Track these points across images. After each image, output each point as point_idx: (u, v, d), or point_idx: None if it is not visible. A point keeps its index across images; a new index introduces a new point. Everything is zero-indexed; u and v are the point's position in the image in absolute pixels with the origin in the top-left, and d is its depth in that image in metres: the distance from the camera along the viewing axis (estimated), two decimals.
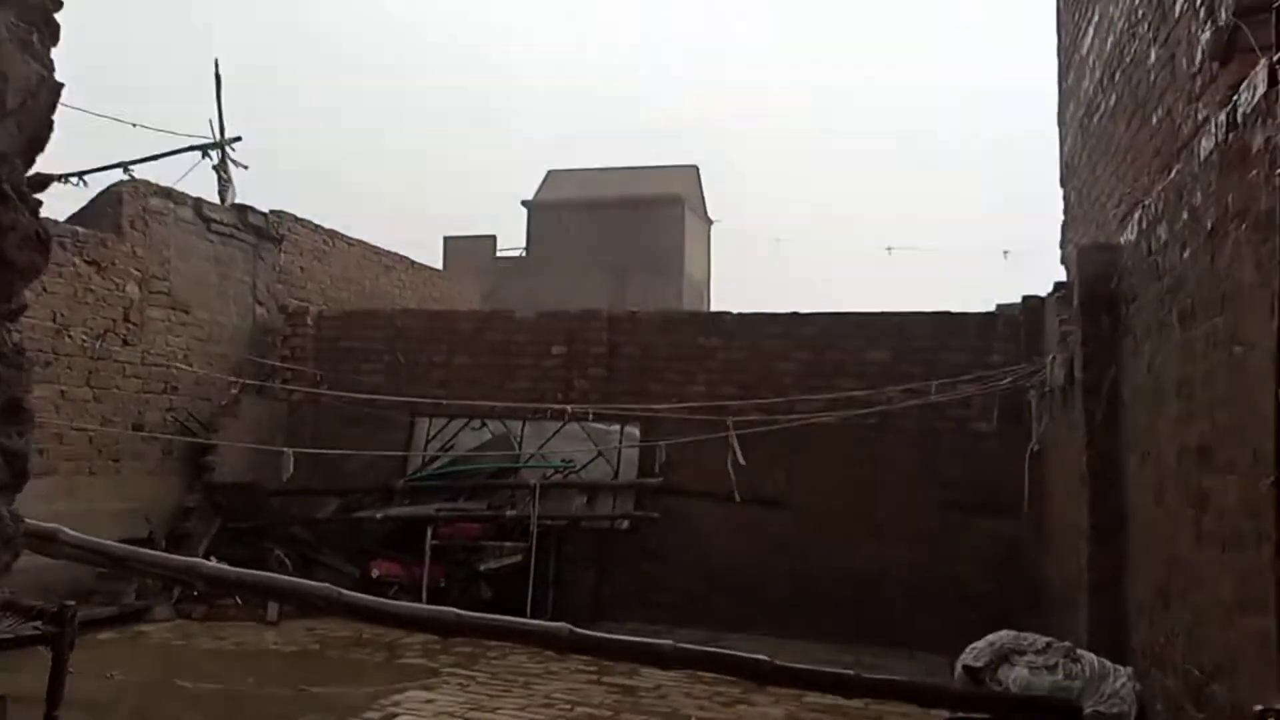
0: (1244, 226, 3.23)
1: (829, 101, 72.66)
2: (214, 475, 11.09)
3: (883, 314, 10.51)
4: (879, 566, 10.01)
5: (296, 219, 12.69)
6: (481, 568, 10.41)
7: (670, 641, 4.10)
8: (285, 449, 10.31)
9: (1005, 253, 26.33)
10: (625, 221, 25.10)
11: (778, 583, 10.28)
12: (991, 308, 10.52)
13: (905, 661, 8.97)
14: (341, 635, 9.48)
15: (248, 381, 11.57)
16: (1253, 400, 3.19)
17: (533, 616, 9.66)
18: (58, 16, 0.85)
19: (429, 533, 10.34)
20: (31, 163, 0.86)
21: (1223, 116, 3.48)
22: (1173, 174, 4.31)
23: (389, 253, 14.58)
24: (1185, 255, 4.08)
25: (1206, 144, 3.72)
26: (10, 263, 0.81)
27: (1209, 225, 3.73)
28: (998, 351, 9.77)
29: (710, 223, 28.50)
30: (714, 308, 24.74)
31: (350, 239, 13.69)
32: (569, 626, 3.79)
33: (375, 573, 10.41)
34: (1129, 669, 5.24)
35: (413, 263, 15.11)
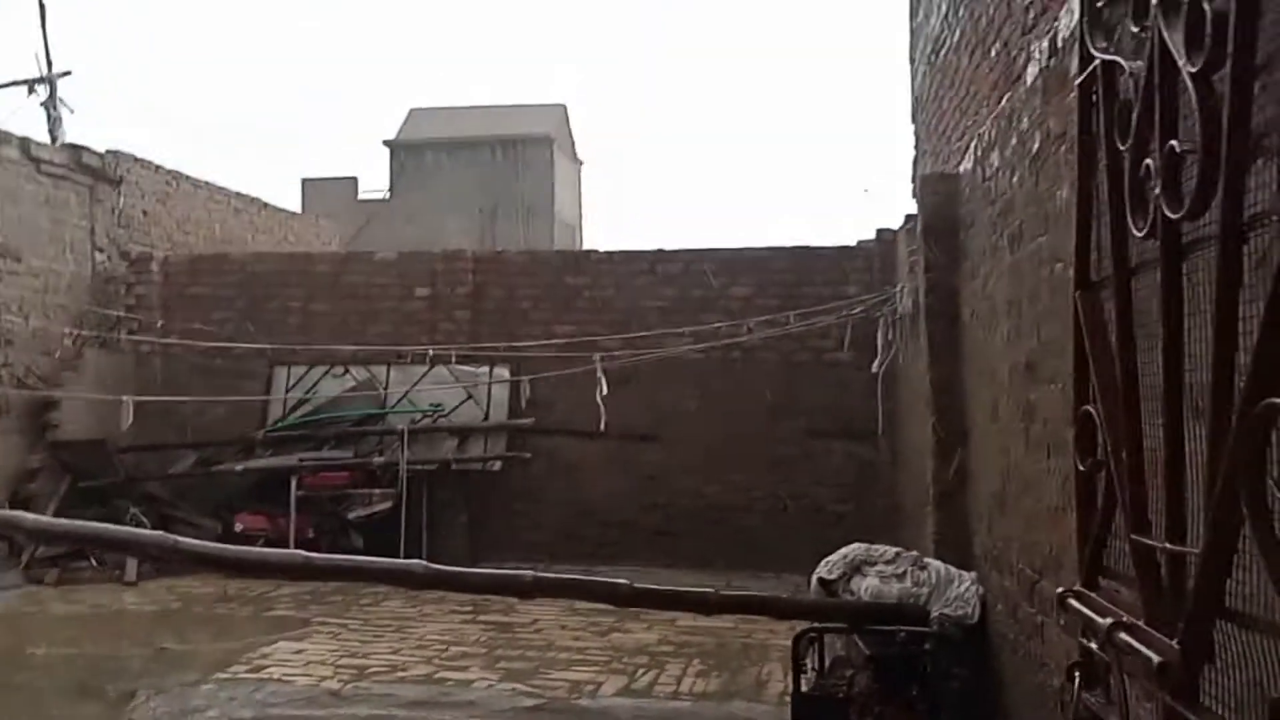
0: (1062, 148, 3.41)
1: (695, 31, 72.76)
2: (59, 433, 10.53)
3: (745, 249, 10.72)
4: (745, 494, 10.38)
5: (136, 159, 11.95)
6: (350, 516, 10.24)
7: (531, 572, 4.15)
8: (124, 397, 9.80)
9: (865, 189, 27.08)
10: (493, 161, 24.64)
11: (649, 515, 10.53)
12: (853, 242, 10.85)
13: (772, 583, 9.32)
14: (205, 592, 9.22)
15: (90, 333, 10.94)
16: (1070, 313, 3.41)
17: None
18: None
19: (293, 483, 10.09)
20: None
21: (1045, 44, 3.65)
22: (1003, 102, 4.51)
23: (240, 195, 13.92)
24: (1014, 180, 4.29)
25: (1031, 71, 3.90)
26: None
27: (1033, 149, 3.93)
28: (854, 283, 10.12)
29: (580, 163, 28.28)
30: (586, 247, 24.67)
31: (196, 180, 12.99)
32: (423, 562, 3.79)
33: (239, 527, 10.13)
34: (972, 574, 5.58)
35: (265, 205, 14.46)
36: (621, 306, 10.75)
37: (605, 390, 9.62)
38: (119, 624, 8.20)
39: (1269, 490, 1.49)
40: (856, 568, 5.61)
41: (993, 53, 5.87)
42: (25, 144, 10.61)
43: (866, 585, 5.48)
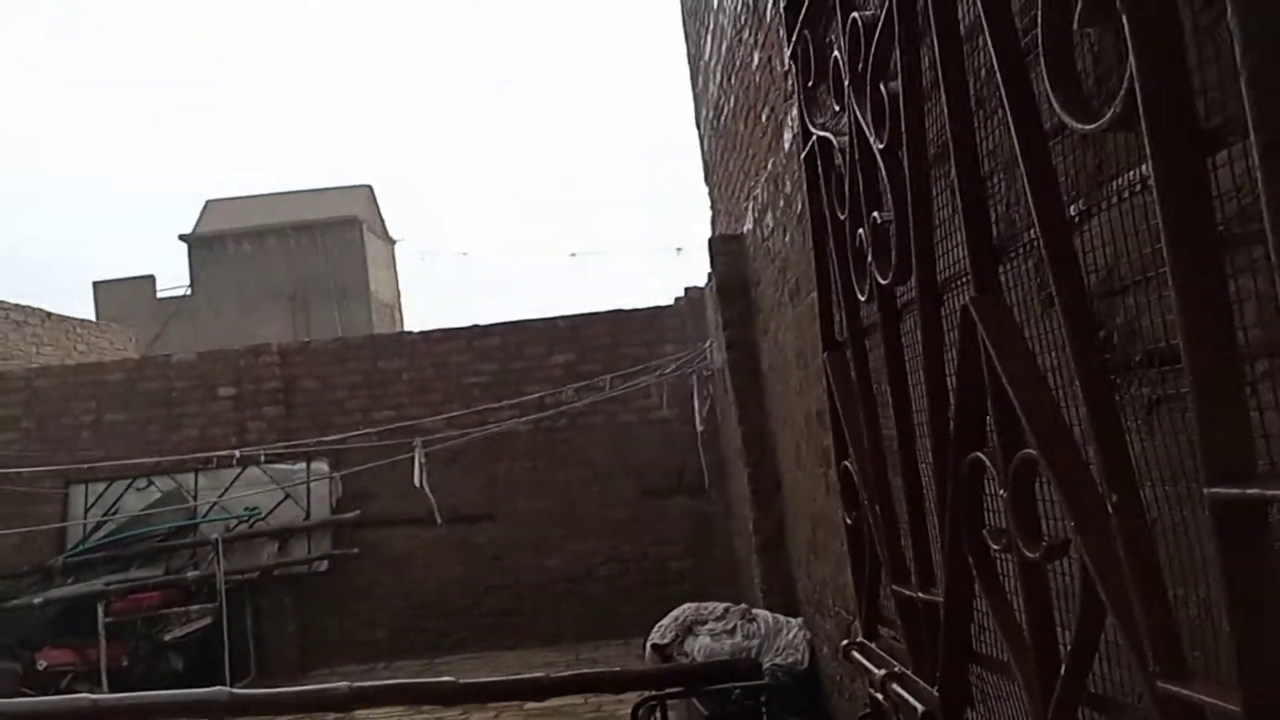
0: None
1: (497, 114, 73.63)
2: None
3: (561, 318, 10.75)
4: (585, 563, 10.28)
5: None
6: (167, 638, 9.49)
7: (347, 684, 3.93)
8: None
9: (678, 249, 27.85)
10: (299, 248, 23.89)
11: (491, 596, 10.27)
12: (671, 301, 11.08)
13: (621, 649, 9.25)
14: None
15: None
16: None
17: (233, 679, 8.97)
18: None
19: (100, 610, 9.29)
20: None
21: (795, 111, 3.85)
22: (769, 166, 4.73)
23: (19, 306, 12.91)
24: (786, 239, 4.48)
25: (787, 137, 4.10)
26: None
27: (798, 210, 4.11)
28: (670, 341, 10.30)
29: (393, 242, 27.83)
30: (408, 327, 24.20)
31: None
32: (228, 689, 3.52)
33: (42, 664, 9.21)
34: (799, 619, 5.70)
35: (48, 314, 13.46)
36: (441, 386, 10.55)
37: (424, 477, 9.41)
38: None
39: (985, 539, 1.56)
40: (688, 628, 5.63)
41: (763, 118, 6.17)
42: None
43: (699, 645, 5.50)
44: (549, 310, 10.96)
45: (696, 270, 19.22)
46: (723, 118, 7.92)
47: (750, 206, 5.53)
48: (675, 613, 5.70)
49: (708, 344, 8.03)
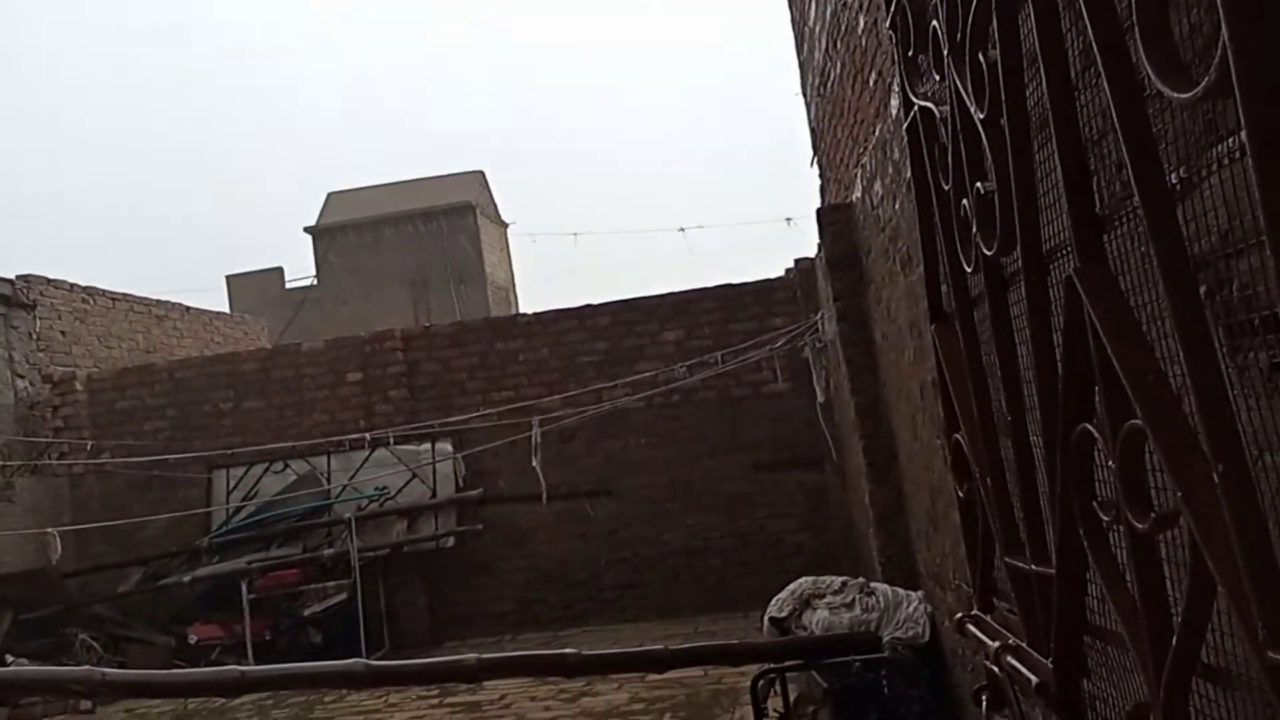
0: None
1: (604, 91, 73.82)
2: None
3: (670, 294, 10.81)
4: (702, 537, 10.37)
5: (48, 281, 11.76)
6: (306, 613, 10.04)
7: (475, 655, 4.10)
8: (50, 530, 9.56)
9: (788, 219, 27.47)
10: (417, 235, 24.62)
11: (610, 571, 10.47)
12: (781, 273, 11.02)
13: (740, 622, 9.32)
14: (165, 710, 8.94)
15: (18, 462, 10.67)
16: None
17: (368, 652, 9.43)
18: None
19: (244, 587, 9.88)
20: None
21: (897, 78, 3.78)
22: (877, 132, 4.65)
23: (160, 302, 13.74)
24: (896, 206, 4.42)
25: (894, 103, 4.03)
26: None
27: (907, 177, 4.05)
28: (780, 314, 10.25)
29: (505, 225, 28.37)
30: (522, 309, 24.70)
31: (113, 294, 12.81)
32: (365, 661, 3.73)
33: (193, 638, 9.88)
34: (919, 593, 5.63)
35: (188, 309, 14.28)
36: (556, 366, 10.76)
37: (536, 460, 9.66)
38: None
39: (1096, 511, 1.55)
40: (806, 602, 5.63)
41: (870, 82, 6.06)
42: None
43: (817, 619, 5.51)
44: (660, 287, 10.98)
45: (807, 241, 18.96)
46: (829, 84, 7.80)
47: (859, 174, 5.46)
48: (792, 586, 5.72)
49: (819, 315, 7.96)
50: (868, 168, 5.14)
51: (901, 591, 5.65)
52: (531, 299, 28.55)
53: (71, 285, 12.14)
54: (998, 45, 1.69)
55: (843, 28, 6.88)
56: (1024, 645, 2.00)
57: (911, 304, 4.51)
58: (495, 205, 27.73)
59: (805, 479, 10.21)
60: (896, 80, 4.00)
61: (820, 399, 8.86)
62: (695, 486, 10.40)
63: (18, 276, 11.42)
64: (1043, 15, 1.49)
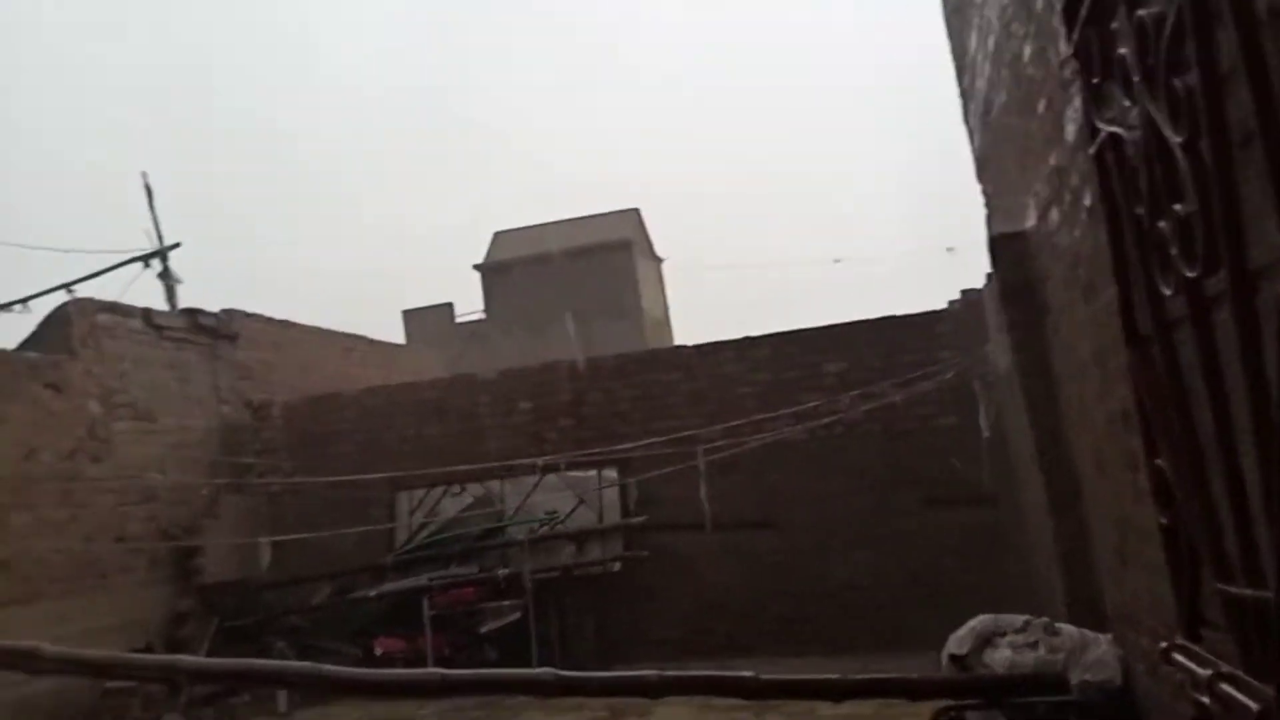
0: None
1: (754, 124, 73.98)
2: (203, 577, 11.12)
3: (830, 326, 10.77)
4: (869, 573, 10.19)
5: (248, 314, 12.82)
6: (483, 630, 10.44)
7: (655, 671, 4.24)
8: (260, 538, 10.36)
9: (949, 249, 26.77)
10: (577, 271, 25.41)
11: (775, 602, 10.42)
12: (944, 304, 10.82)
13: (906, 660, 9.09)
14: (355, 718, 9.50)
15: (224, 481, 11.62)
16: None
17: None
18: None
19: (425, 603, 10.38)
20: None
21: (1077, 103, 3.75)
22: (1052, 159, 4.59)
23: (346, 334, 14.73)
24: (1075, 234, 4.34)
25: (1070, 129, 3.99)
26: None
27: (1087, 204, 3.98)
28: (945, 346, 10.04)
29: (660, 260, 28.88)
30: (676, 342, 25.01)
31: (306, 326, 13.83)
32: (553, 670, 3.92)
33: (378, 651, 10.43)
34: (1108, 635, 5.40)
35: (371, 341, 15.25)
36: (716, 396, 10.88)
37: (703, 489, 9.75)
38: None
39: None
40: (987, 640, 5.49)
41: (1039, 110, 5.95)
42: (147, 314, 11.52)
43: (1000, 657, 5.36)
44: (817, 319, 10.95)
45: (969, 271, 18.40)
46: (993, 112, 7.67)
47: (1032, 202, 5.36)
48: (972, 623, 5.59)
49: (988, 347, 7.78)
50: (1041, 195, 5.06)
51: (1089, 633, 5.43)
52: (687, 332, 28.88)
53: (268, 319, 13.18)
54: (1195, 68, 1.71)
55: (1007, 57, 6.78)
56: (1239, 673, 1.96)
57: (1096, 333, 4.40)
58: (649, 241, 28.31)
59: (976, 516, 9.89)
60: (1075, 104, 3.95)
61: (986, 434, 8.61)
62: (860, 521, 10.25)
63: (221, 310, 12.50)
64: (1243, 34, 1.52)
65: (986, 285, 8.29)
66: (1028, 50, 5.60)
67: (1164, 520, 2.44)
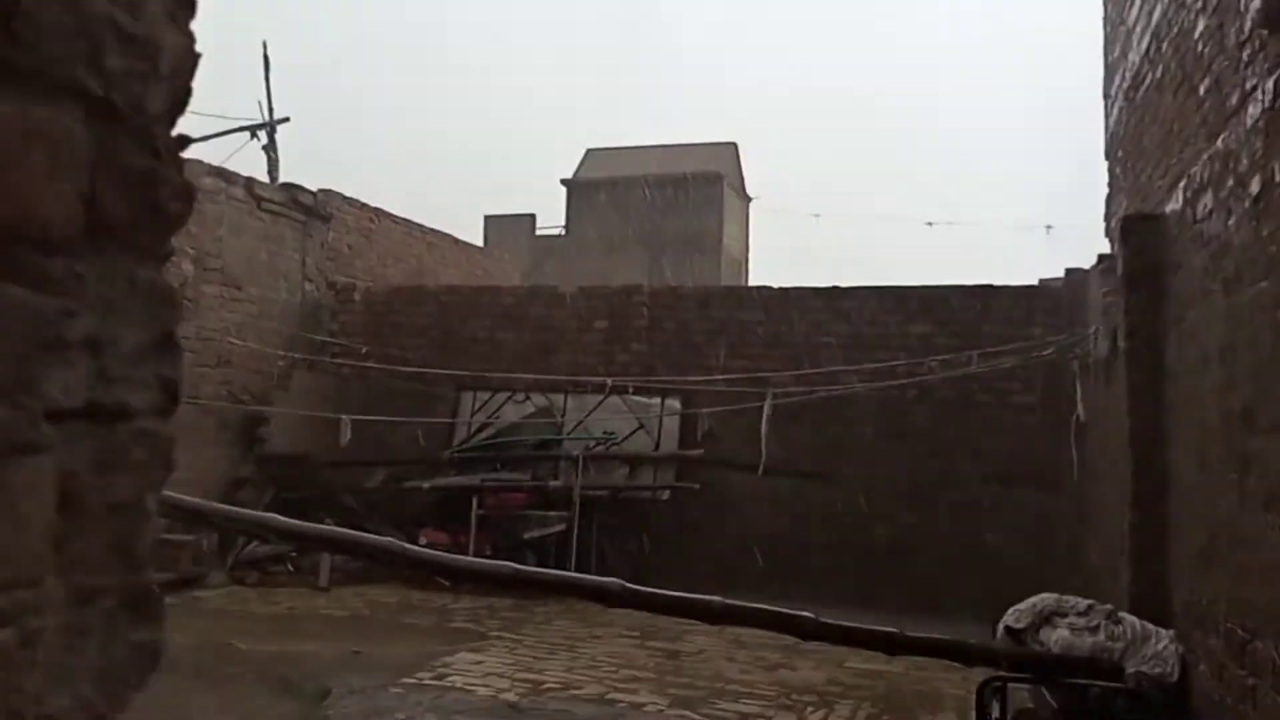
0: None
1: (866, 78, 72.10)
2: (267, 447, 11.40)
3: (922, 287, 10.56)
4: (918, 536, 10.12)
5: (344, 198, 12.92)
6: (526, 536, 10.60)
7: (720, 599, 4.25)
8: (343, 415, 10.56)
9: (1048, 227, 26.02)
10: (664, 199, 25.17)
11: (817, 552, 10.41)
12: (1036, 281, 10.52)
13: (944, 629, 9.06)
14: (390, 601, 9.78)
15: (299, 356, 11.84)
16: None
17: None
18: None
19: (475, 502, 10.56)
20: (175, 124, 1.01)
21: (1270, 84, 3.53)
22: (1219, 142, 4.35)
23: (432, 230, 14.80)
24: (1230, 223, 4.13)
25: (1253, 111, 3.77)
26: (164, 213, 0.96)
27: (1254, 192, 3.78)
28: (1038, 324, 9.80)
29: (749, 199, 28.47)
30: (752, 282, 24.75)
31: (395, 217, 13.91)
32: (620, 581, 3.95)
33: (423, 541, 10.58)
34: (1171, 631, 5.31)
35: (455, 240, 15.31)
36: (795, 343, 10.77)
37: (767, 429, 9.68)
38: (314, 626, 8.77)
39: None
40: (1046, 618, 5.43)
41: (1201, 90, 5.65)
42: (250, 183, 11.66)
43: (1057, 637, 5.30)
44: (897, 279, 10.76)
45: (1064, 251, 17.89)
46: (1142, 89, 7.33)
47: (1181, 185, 5.12)
48: (1033, 600, 5.52)
49: (1091, 330, 7.55)
50: (1194, 179, 4.82)
51: (1151, 626, 5.34)
52: (763, 274, 28.60)
53: (362, 205, 13.28)
54: None
55: (1173, 30, 6.44)
56: None
57: (1230, 327, 4.22)
58: (742, 178, 27.88)
59: (1034, 497, 9.74)
60: (1260, 88, 3.73)
61: (1082, 418, 8.39)
62: (915, 486, 10.16)
63: (319, 190, 12.60)
64: None
65: (1095, 266, 8.01)
66: (1200, 24, 5.31)
67: None
